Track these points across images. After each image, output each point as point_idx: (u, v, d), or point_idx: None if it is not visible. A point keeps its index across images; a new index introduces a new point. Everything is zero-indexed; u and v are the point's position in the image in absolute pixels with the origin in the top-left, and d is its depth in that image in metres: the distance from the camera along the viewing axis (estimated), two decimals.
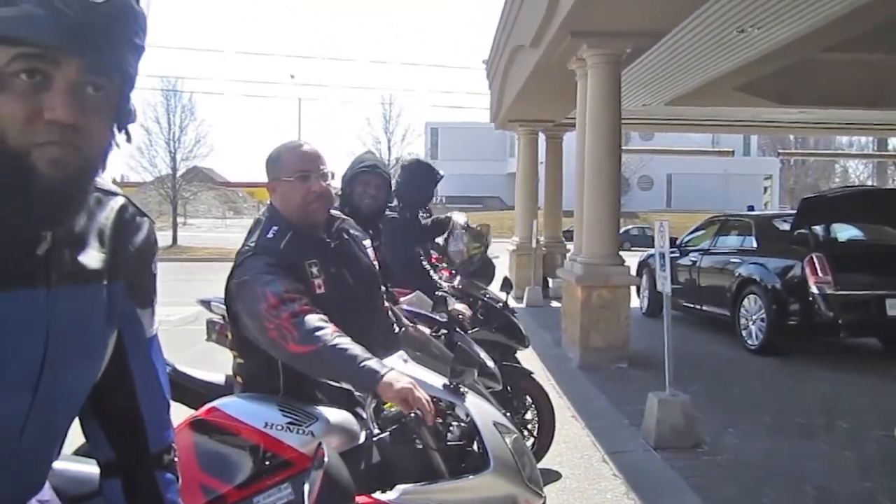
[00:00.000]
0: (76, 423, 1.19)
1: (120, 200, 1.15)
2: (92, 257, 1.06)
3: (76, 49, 0.92)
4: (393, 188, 4.69)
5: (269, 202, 2.45)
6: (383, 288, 2.69)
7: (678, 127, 16.69)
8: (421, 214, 4.97)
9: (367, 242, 2.61)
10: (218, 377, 3.15)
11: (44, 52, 0.90)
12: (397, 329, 2.83)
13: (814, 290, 7.69)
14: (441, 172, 4.82)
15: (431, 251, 5.57)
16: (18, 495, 1.10)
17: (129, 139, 1.03)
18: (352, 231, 2.54)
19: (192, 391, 3.02)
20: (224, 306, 2.38)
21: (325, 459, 1.34)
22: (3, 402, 0.98)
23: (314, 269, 2.27)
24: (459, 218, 4.97)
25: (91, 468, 1.64)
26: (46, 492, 1.17)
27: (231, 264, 2.31)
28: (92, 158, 0.99)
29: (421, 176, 4.72)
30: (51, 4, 0.88)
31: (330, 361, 2.00)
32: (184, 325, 9.05)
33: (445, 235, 4.56)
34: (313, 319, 2.05)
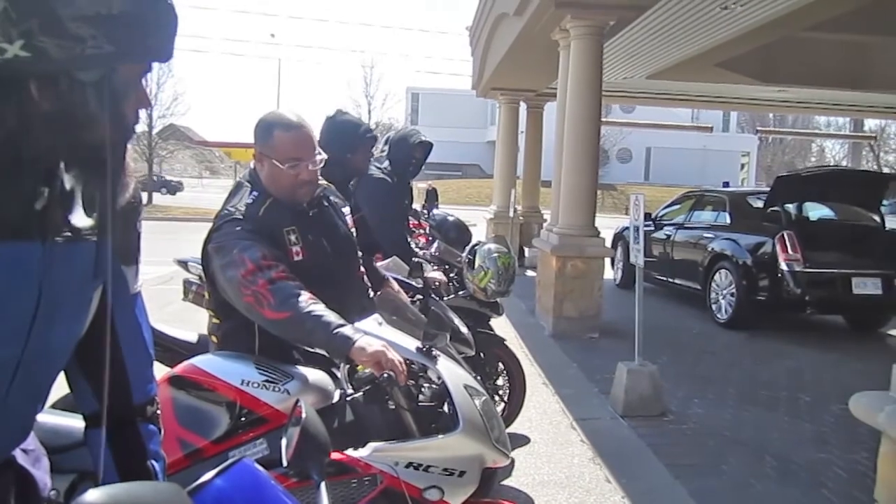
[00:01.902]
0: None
1: None
2: (82, 214, 1.09)
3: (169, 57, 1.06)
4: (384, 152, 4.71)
5: (251, 165, 2.44)
6: (359, 254, 2.72)
7: (659, 101, 16.75)
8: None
9: (347, 210, 2.63)
10: (191, 335, 3.19)
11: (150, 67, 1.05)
12: (372, 293, 2.87)
13: (783, 266, 7.84)
14: (426, 139, 4.75)
15: (409, 217, 5.58)
16: (4, 445, 1.14)
17: None
18: (332, 198, 2.56)
19: (167, 349, 3.05)
20: (202, 267, 2.40)
21: (303, 416, 1.39)
22: None
23: (292, 237, 2.29)
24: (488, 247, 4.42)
25: (70, 421, 1.68)
26: (31, 441, 1.21)
27: (208, 225, 2.33)
28: None
29: (407, 142, 4.68)
30: (174, 32, 1.02)
31: (304, 328, 2.05)
32: (159, 285, 9.04)
33: (466, 258, 4.40)
34: (289, 286, 2.09)
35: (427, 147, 4.71)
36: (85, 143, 1.00)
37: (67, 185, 1.05)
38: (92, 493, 0.76)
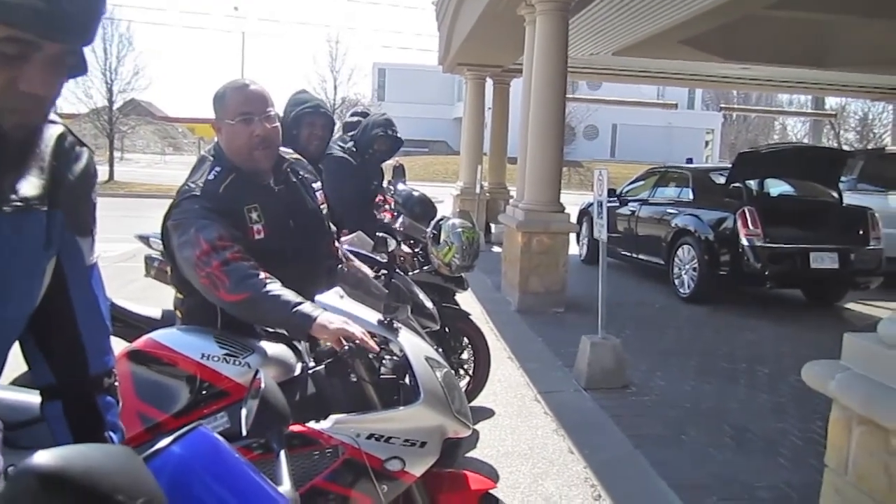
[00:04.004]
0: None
1: (59, 129, 1.16)
2: (32, 184, 1.08)
3: (66, 37, 0.97)
4: (352, 132, 4.70)
5: (215, 140, 2.42)
6: (333, 229, 2.70)
7: (624, 77, 16.84)
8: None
9: (317, 185, 2.58)
10: (155, 311, 3.18)
11: (35, 38, 0.94)
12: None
13: (744, 241, 7.97)
14: (393, 133, 4.71)
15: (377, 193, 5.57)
16: None
17: (68, 80, 1.07)
18: (301, 173, 2.51)
19: (130, 325, 3.04)
20: (162, 243, 2.37)
21: (262, 386, 1.40)
22: None
23: (253, 215, 2.25)
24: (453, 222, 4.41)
25: (28, 397, 1.67)
26: None
27: (170, 202, 2.30)
28: (49, 112, 1.08)
29: (372, 132, 4.64)
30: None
31: (262, 308, 2.04)
32: (121, 262, 8.92)
33: (430, 233, 4.39)
34: (243, 267, 2.06)
35: (390, 142, 4.66)
36: None
37: (15, 155, 1.03)
38: (41, 455, 0.76)
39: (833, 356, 2.63)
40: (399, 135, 4.71)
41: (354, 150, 4.56)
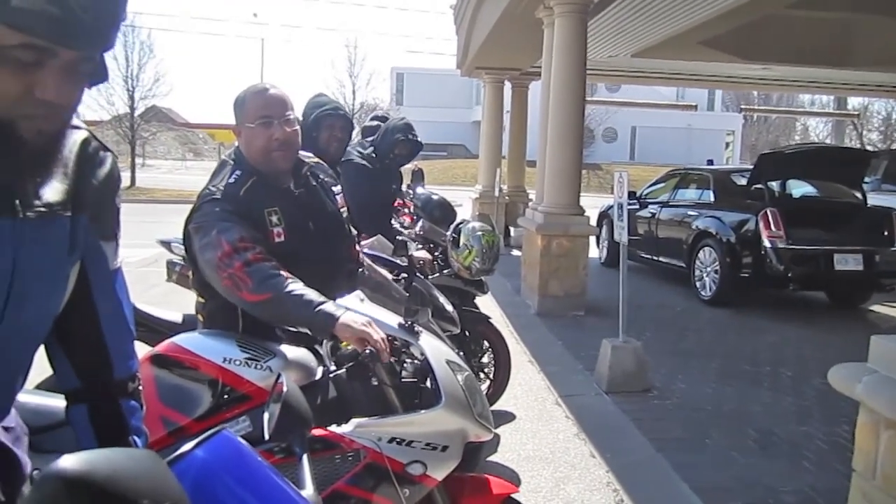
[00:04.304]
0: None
1: (83, 134, 1.16)
2: (56, 190, 1.08)
3: (80, 44, 0.96)
4: (371, 137, 4.69)
5: (235, 144, 2.43)
6: (354, 232, 2.70)
7: (644, 79, 16.76)
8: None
9: (337, 188, 2.59)
10: (176, 316, 3.20)
11: (50, 45, 0.94)
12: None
13: (766, 243, 7.88)
14: (413, 137, 4.69)
15: (397, 197, 5.58)
16: None
17: (90, 87, 1.07)
18: (322, 176, 2.52)
19: (151, 329, 3.06)
20: (184, 247, 2.39)
21: (285, 389, 1.40)
22: None
23: (273, 218, 2.26)
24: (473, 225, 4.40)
25: (52, 401, 1.68)
26: (12, 418, 1.21)
27: (192, 206, 2.32)
28: (69, 119, 1.07)
29: (393, 136, 4.62)
30: (68, 6, 0.91)
31: (285, 308, 2.04)
32: (143, 267, 9.00)
33: (450, 237, 4.37)
34: (265, 267, 2.07)
35: (410, 146, 4.66)
36: None
37: (40, 160, 1.04)
38: (67, 459, 0.76)
39: (859, 359, 2.59)
40: (418, 139, 4.71)
41: (374, 155, 4.56)
